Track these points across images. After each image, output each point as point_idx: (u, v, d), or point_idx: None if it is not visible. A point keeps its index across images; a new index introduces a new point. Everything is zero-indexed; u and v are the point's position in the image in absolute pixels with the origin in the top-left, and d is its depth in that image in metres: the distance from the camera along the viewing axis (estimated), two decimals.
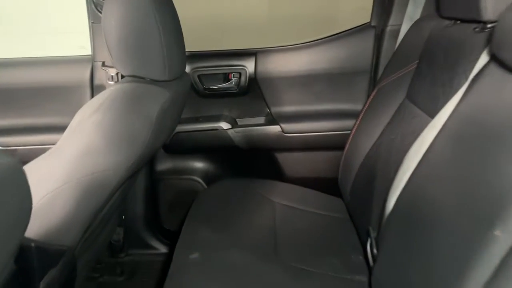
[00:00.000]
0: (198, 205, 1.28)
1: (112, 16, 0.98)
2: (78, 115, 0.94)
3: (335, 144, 1.50)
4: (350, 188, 1.26)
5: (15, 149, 1.50)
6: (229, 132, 1.51)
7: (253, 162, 1.66)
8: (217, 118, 1.53)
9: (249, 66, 1.48)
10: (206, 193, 1.36)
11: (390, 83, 1.21)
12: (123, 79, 1.05)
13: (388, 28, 1.37)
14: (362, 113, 1.30)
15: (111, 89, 0.99)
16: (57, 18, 1.82)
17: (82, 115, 0.92)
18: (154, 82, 1.02)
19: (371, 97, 1.29)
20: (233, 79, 1.50)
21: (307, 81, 1.50)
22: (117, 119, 0.90)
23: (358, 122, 1.31)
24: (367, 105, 1.30)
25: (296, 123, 1.51)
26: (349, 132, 1.34)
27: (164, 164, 1.63)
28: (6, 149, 1.49)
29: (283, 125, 1.50)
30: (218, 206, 1.27)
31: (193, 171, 1.65)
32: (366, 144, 1.20)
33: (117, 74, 1.39)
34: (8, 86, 1.46)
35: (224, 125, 1.51)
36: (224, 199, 1.31)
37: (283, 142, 1.52)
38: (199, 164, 1.65)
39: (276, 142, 1.53)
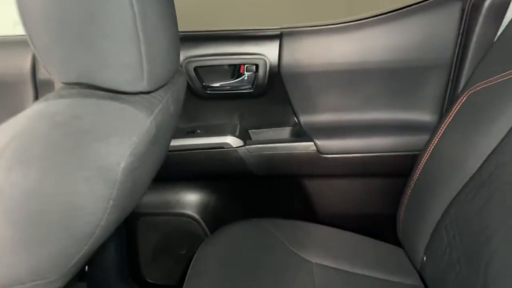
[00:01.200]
0: (202, 258, 0.88)
1: None
2: None
3: (393, 169, 1.05)
4: (429, 240, 0.82)
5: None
6: (240, 151, 1.04)
7: (275, 194, 1.18)
8: (222, 131, 1.06)
9: (271, 54, 1.00)
10: (212, 241, 0.93)
11: (494, 87, 0.77)
12: (63, 89, 0.56)
13: (488, 1, 0.90)
14: (442, 128, 0.84)
15: (39, 109, 0.51)
16: None
17: None
18: (120, 96, 0.54)
19: (458, 105, 0.82)
20: (247, 74, 1.02)
21: (356, 78, 1.02)
22: (46, 185, 0.43)
23: (436, 139, 0.85)
24: (450, 117, 0.84)
25: (338, 139, 1.04)
26: (415, 153, 0.90)
27: (145, 196, 1.14)
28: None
29: (318, 142, 1.03)
30: (229, 262, 0.86)
31: (187, 205, 1.17)
32: (454, 174, 0.77)
33: None
34: None
35: (233, 141, 1.03)
36: (237, 251, 0.89)
37: (319, 166, 1.05)
38: (195, 196, 1.18)
39: (308, 166, 1.06)
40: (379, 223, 1.12)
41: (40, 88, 0.98)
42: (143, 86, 0.53)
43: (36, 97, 0.99)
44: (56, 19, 0.48)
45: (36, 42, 0.52)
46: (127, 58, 0.50)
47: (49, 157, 0.45)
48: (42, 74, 0.96)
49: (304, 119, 1.07)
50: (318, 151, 1.03)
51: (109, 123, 0.49)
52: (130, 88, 0.53)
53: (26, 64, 0.96)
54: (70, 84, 0.55)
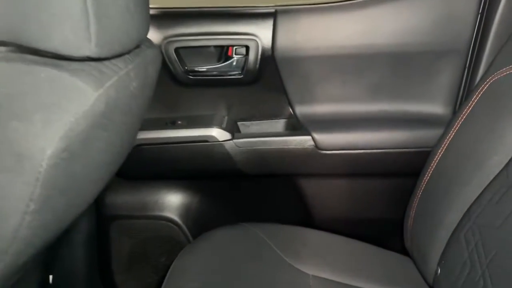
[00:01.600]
0: (180, 270, 0.76)
1: None
2: None
3: (401, 168, 0.94)
4: (443, 250, 0.71)
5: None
6: (227, 145, 0.91)
7: (266, 195, 1.06)
8: (207, 122, 0.93)
9: (263, 35, 0.89)
10: (192, 249, 0.81)
11: None
12: None
13: None
14: (459, 122, 0.73)
15: None
16: None
17: None
18: (57, 62, 0.40)
19: (478, 94, 0.71)
20: (236, 57, 0.91)
21: (360, 64, 0.91)
22: None
23: (451, 134, 0.74)
24: (468, 109, 0.73)
25: (339, 133, 0.92)
26: (427, 150, 0.80)
27: (119, 196, 1.03)
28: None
29: (317, 136, 0.91)
30: (211, 274, 0.74)
31: (167, 207, 1.05)
32: (474, 173, 0.67)
33: None
34: None
35: (219, 134, 0.91)
36: (221, 261, 0.77)
37: (317, 163, 0.93)
38: (175, 197, 1.05)
39: (305, 163, 0.94)
40: (384, 229, 1.01)
41: None
42: (89, 49, 0.40)
43: None
44: None
45: None
46: (66, 6, 0.37)
47: None
48: None
49: (301, 110, 0.95)
50: (316, 146, 0.91)
51: (34, 95, 0.36)
52: (71, 50, 0.39)
53: None
54: None
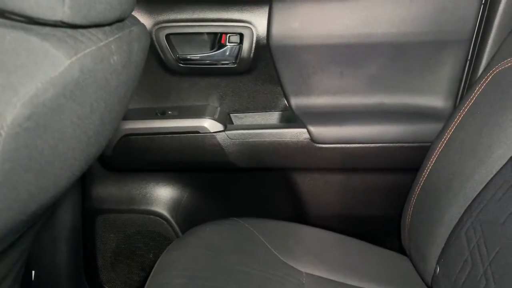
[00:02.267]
0: (166, 266, 0.71)
1: None
2: None
3: (399, 163, 0.90)
4: (443, 248, 0.68)
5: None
6: (219, 137, 0.87)
7: (259, 189, 1.02)
8: (198, 112, 0.89)
9: (258, 22, 0.85)
10: (180, 244, 0.76)
11: None
12: None
13: None
14: (461, 115, 0.70)
15: None
16: None
17: None
18: (27, 26, 0.36)
19: (481, 86, 0.69)
20: (229, 45, 0.87)
21: (358, 54, 0.87)
22: None
23: (452, 128, 0.71)
24: (470, 101, 0.70)
25: (335, 126, 0.88)
26: (427, 145, 0.78)
27: (105, 189, 0.99)
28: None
29: (312, 129, 0.87)
30: (199, 270, 0.69)
31: (155, 201, 1.00)
32: (476, 167, 0.63)
33: None
34: None
35: (210, 125, 0.87)
36: (210, 257, 0.73)
37: (312, 157, 0.90)
38: (164, 190, 1.01)
39: (300, 157, 0.90)
40: (381, 226, 0.97)
41: None
42: (63, 11, 0.36)
43: None
44: None
45: None
46: None
47: None
48: None
49: (296, 101, 0.92)
50: (312, 139, 0.87)
51: (6, 59, 0.32)
52: (43, 12, 0.35)
53: None
54: None
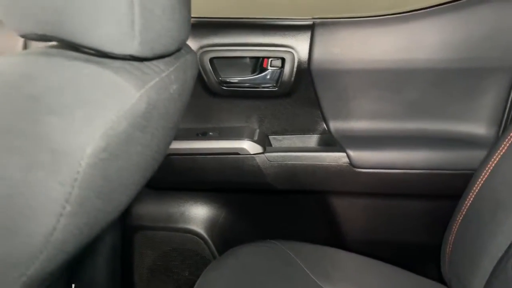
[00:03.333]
0: (205, 287, 0.72)
1: None
2: None
3: (440, 190, 0.89)
4: (487, 280, 0.66)
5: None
6: (258, 158, 0.88)
7: (296, 212, 1.02)
8: (238, 134, 0.91)
9: (300, 47, 0.86)
10: (218, 265, 0.77)
11: None
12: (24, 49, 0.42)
13: None
14: (506, 144, 0.69)
15: None
16: None
17: None
18: (99, 59, 0.39)
19: None
20: (270, 69, 0.88)
21: (399, 79, 0.87)
22: None
23: (497, 156, 0.69)
24: None
25: (375, 151, 0.87)
26: (468, 172, 0.78)
27: (144, 206, 1.00)
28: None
29: (351, 153, 0.87)
30: None
31: (193, 220, 1.01)
32: None
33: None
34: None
35: (250, 147, 0.88)
36: (248, 279, 0.73)
37: (351, 181, 0.89)
38: (202, 209, 1.02)
39: (338, 180, 0.89)
40: (420, 254, 0.95)
41: None
42: (133, 47, 0.38)
43: None
44: None
45: None
46: (112, 1, 0.36)
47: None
48: None
49: (335, 125, 0.92)
50: (351, 164, 0.87)
51: (75, 91, 0.34)
52: (114, 48, 0.38)
53: (18, 46, 0.84)
54: (30, 37, 0.40)
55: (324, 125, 0.93)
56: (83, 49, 0.39)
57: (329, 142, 0.92)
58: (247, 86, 0.89)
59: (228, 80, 0.88)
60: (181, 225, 1.00)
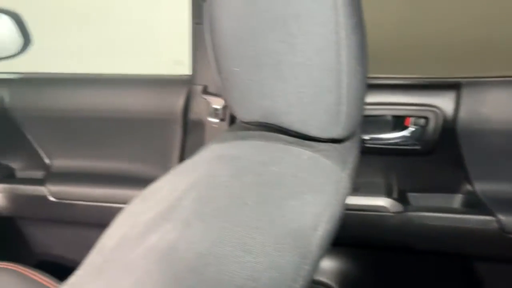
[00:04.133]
0: None
1: (233, 8, 0.42)
2: (161, 189, 0.41)
3: None
4: None
5: (73, 204, 1.04)
6: (397, 217, 0.87)
7: (434, 275, 0.97)
8: (377, 190, 0.91)
9: (445, 107, 0.85)
10: None
11: None
12: (240, 130, 0.48)
13: None
14: None
15: (217, 151, 0.44)
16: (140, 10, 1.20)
17: (171, 197, 0.38)
18: (308, 142, 0.44)
19: None
20: (413, 128, 0.88)
21: None
22: (226, 248, 0.34)
23: None
24: None
25: None
26: None
27: None
28: (61, 202, 1.04)
29: (503, 218, 0.82)
30: None
31: (323, 271, 1.02)
32: None
33: (224, 108, 0.87)
34: (67, 112, 1.03)
35: (390, 204, 0.87)
36: None
37: (501, 248, 0.84)
38: (333, 262, 1.02)
39: (486, 246, 0.85)
40: None
41: (190, 128, 0.95)
42: (337, 132, 0.42)
43: (184, 136, 0.96)
44: (252, 48, 0.40)
45: (224, 71, 0.44)
46: (325, 94, 0.40)
47: (232, 213, 0.35)
48: (194, 114, 0.93)
49: (482, 187, 0.88)
50: (502, 229, 0.82)
51: (301, 175, 0.39)
52: (321, 133, 0.42)
53: (178, 103, 0.94)
54: (250, 124, 0.46)
55: (468, 185, 0.89)
56: (289, 131, 0.44)
57: (474, 204, 0.87)
58: (388, 143, 0.89)
59: (369, 138, 0.90)
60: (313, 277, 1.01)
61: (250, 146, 0.42)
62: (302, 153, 0.41)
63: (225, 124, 0.88)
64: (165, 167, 0.98)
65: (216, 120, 0.87)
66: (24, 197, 1.06)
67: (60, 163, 1.07)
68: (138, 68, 1.01)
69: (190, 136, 0.96)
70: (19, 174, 1.12)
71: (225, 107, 0.86)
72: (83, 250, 1.13)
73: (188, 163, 0.43)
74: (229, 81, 0.44)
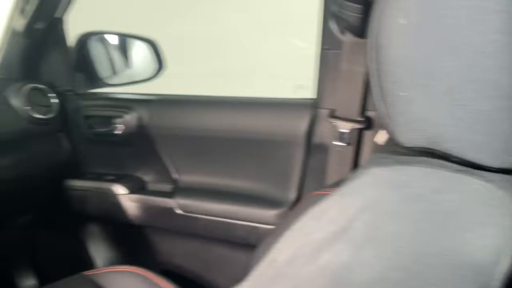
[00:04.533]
0: None
1: (405, 37, 0.42)
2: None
3: None
4: None
5: (198, 217, 1.11)
6: None
7: None
8: None
9: None
10: None
11: None
12: (399, 154, 0.47)
13: None
14: None
15: (382, 175, 0.44)
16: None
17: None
18: (476, 171, 0.42)
19: None
20: None
21: None
22: (398, 273, 0.34)
23: None
24: None
25: None
26: None
27: None
28: (187, 215, 1.12)
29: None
30: None
31: None
32: None
33: (351, 131, 0.87)
34: (196, 131, 1.11)
35: None
36: None
37: None
38: None
39: None
40: None
41: (313, 152, 0.96)
42: (510, 161, 0.40)
43: (306, 159, 0.98)
44: (423, 74, 0.40)
45: (389, 96, 0.45)
46: (502, 121, 0.38)
47: (405, 238, 0.35)
48: (317, 137, 0.95)
49: None
50: None
51: (477, 205, 0.37)
52: (494, 162, 0.40)
53: (302, 126, 0.97)
54: (412, 149, 0.45)
55: None
56: (454, 159, 0.42)
57: None
58: None
59: None
60: None
61: (417, 172, 0.42)
62: (473, 182, 0.39)
63: (350, 149, 0.88)
64: (285, 188, 1.01)
65: (343, 144, 0.87)
66: (154, 208, 1.15)
67: (187, 178, 1.15)
68: (262, 92, 1.06)
69: (312, 159, 0.97)
70: (150, 186, 1.23)
71: (352, 131, 0.86)
72: (204, 262, 1.20)
73: (351, 186, 0.44)
74: (394, 106, 0.44)
